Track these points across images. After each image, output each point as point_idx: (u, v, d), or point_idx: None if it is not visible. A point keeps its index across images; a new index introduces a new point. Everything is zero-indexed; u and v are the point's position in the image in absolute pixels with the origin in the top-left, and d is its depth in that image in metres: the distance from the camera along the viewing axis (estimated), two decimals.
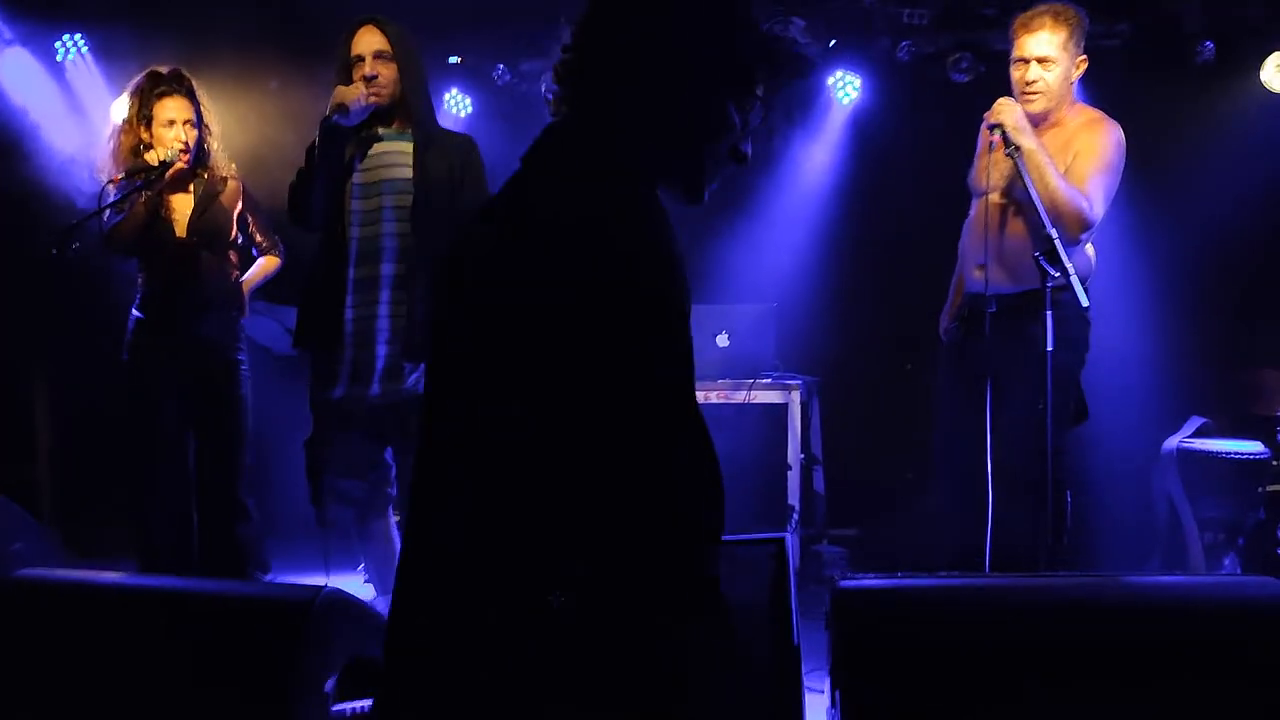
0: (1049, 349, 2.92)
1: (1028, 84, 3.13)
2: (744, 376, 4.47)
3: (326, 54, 5.47)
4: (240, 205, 3.73)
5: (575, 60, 1.51)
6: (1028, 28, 3.14)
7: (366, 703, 2.27)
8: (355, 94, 3.00)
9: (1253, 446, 4.02)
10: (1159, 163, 4.56)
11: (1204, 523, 4.04)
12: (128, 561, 3.66)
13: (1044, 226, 2.89)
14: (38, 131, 5.04)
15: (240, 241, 3.79)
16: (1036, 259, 2.90)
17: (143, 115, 3.54)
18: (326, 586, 2.24)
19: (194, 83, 3.63)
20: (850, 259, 5.31)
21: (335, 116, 2.96)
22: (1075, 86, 3.25)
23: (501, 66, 5.58)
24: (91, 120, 5.01)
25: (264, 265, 3.87)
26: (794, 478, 4.40)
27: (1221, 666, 1.85)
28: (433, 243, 3.07)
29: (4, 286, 5.05)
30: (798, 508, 4.40)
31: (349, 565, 4.29)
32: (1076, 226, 3.04)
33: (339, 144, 3.05)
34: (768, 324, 4.58)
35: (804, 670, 2.18)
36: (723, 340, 4.57)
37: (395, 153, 3.12)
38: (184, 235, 3.57)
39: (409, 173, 3.10)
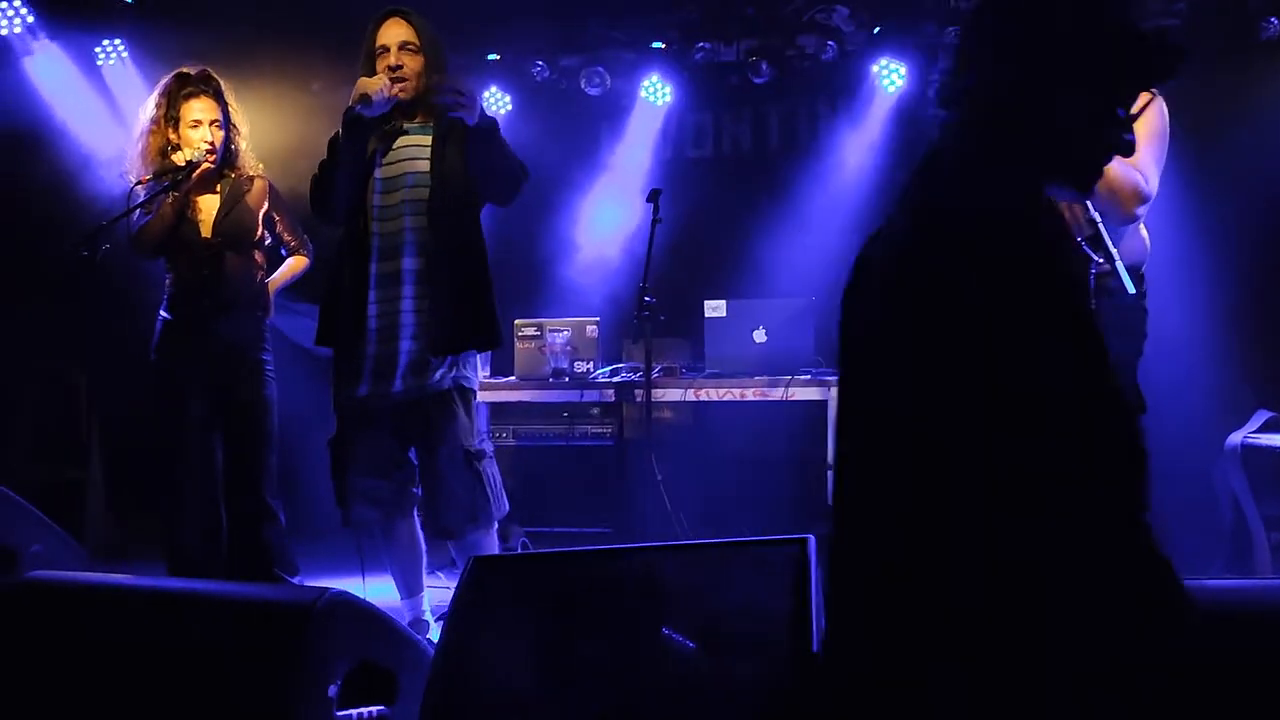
0: None
1: None
2: (781, 373, 4.36)
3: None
4: (267, 205, 3.72)
5: (966, 60, 1.56)
6: None
7: (373, 709, 2.22)
8: (378, 85, 2.97)
9: None
10: (1222, 143, 4.39)
11: (1270, 522, 3.85)
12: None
13: (1087, 210, 2.74)
14: (67, 129, 5.11)
15: (268, 241, 3.78)
16: (1080, 244, 2.75)
17: (170, 116, 3.55)
18: (330, 589, 2.19)
19: (221, 83, 3.63)
20: None
21: (358, 107, 2.94)
22: None
23: (540, 63, 5.54)
24: (130, 126, 5.06)
25: (291, 265, 3.86)
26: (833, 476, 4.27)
27: None
28: (450, 236, 3.06)
29: (50, 289, 5.12)
30: None
31: (382, 567, 4.27)
32: (1133, 201, 2.88)
33: (361, 135, 3.02)
34: (806, 319, 4.46)
35: None
36: (759, 336, 4.46)
37: (416, 146, 3.10)
38: (209, 236, 3.56)
39: (427, 166, 3.07)
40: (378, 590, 3.62)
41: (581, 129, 5.80)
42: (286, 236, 3.81)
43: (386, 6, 3.15)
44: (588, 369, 4.72)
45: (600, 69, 5.48)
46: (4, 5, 4.92)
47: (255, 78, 4.63)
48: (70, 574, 2.43)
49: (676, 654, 2.15)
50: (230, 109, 3.60)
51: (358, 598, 2.26)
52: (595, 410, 4.80)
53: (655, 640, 2.16)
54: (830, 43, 5.19)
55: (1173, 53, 1.54)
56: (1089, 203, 2.74)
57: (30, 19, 4.96)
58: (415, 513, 3.27)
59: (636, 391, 4.48)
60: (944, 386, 1.35)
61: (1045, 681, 1.27)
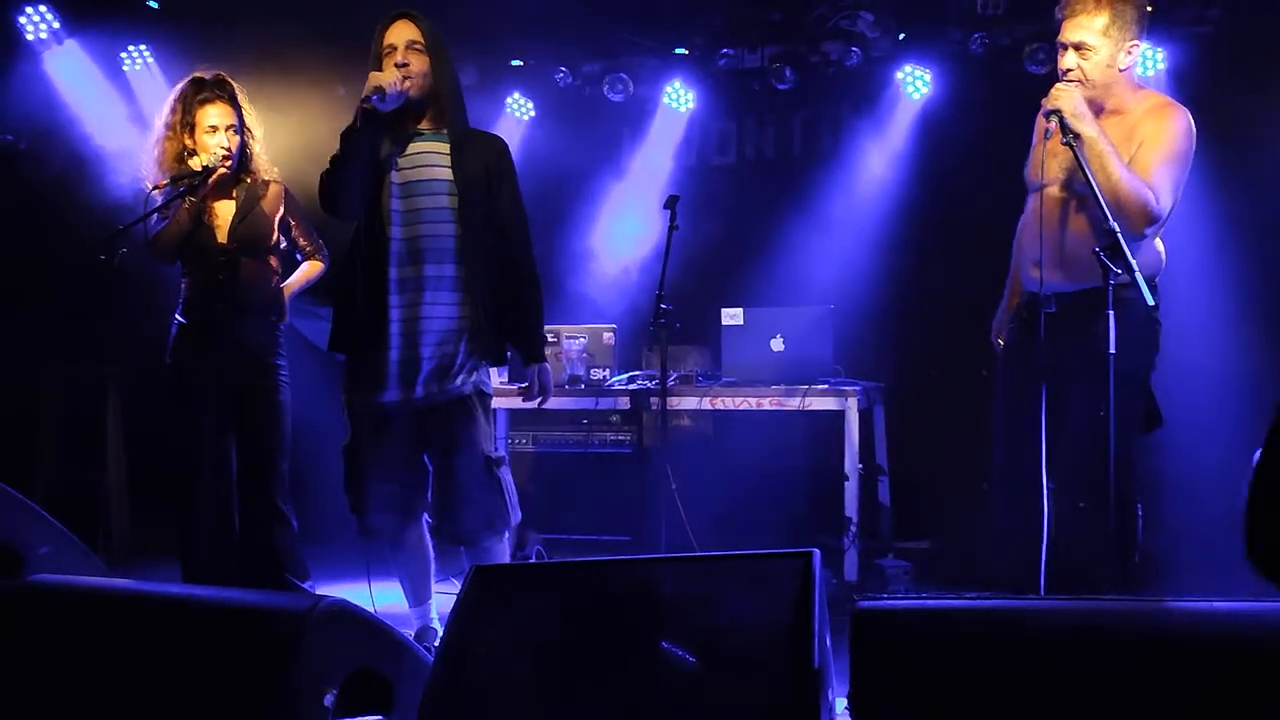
0: (1111, 351, 2.70)
1: (1064, 72, 2.93)
2: (799, 382, 4.31)
3: None
4: (282, 210, 3.72)
5: None
6: (1067, 12, 2.95)
7: (370, 718, 2.21)
8: (391, 78, 2.96)
9: None
10: (1253, 153, 4.32)
11: None
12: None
13: (1105, 220, 2.68)
14: (92, 134, 5.16)
15: (283, 246, 3.78)
16: (1097, 254, 2.69)
17: (186, 122, 3.56)
18: (327, 597, 2.17)
19: (236, 87, 3.63)
20: (917, 260, 5.12)
21: (374, 99, 2.92)
22: (1132, 72, 3.00)
23: (564, 69, 5.54)
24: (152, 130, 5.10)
25: (307, 270, 3.86)
26: (851, 488, 4.21)
27: None
28: (474, 242, 3.05)
29: (74, 292, 5.17)
30: (855, 519, 4.21)
31: (390, 574, 4.27)
32: (1141, 219, 2.82)
33: (375, 131, 3.01)
34: (824, 327, 4.40)
35: (842, 693, 2.04)
36: (777, 344, 4.42)
37: (433, 153, 3.09)
38: (225, 241, 3.57)
39: (448, 173, 3.07)
40: (386, 597, 3.62)
41: (604, 135, 5.80)
42: (302, 241, 3.81)
43: (394, 9, 3.15)
44: (604, 376, 4.70)
45: (623, 75, 5.47)
46: (30, 10, 4.99)
47: (281, 82, 4.66)
48: (73, 577, 2.42)
49: (676, 667, 2.12)
50: (245, 113, 3.61)
51: (355, 605, 2.25)
52: (615, 418, 4.78)
53: (654, 653, 2.13)
54: (855, 49, 5.16)
55: None
56: (1108, 212, 2.69)
57: (56, 24, 5.02)
58: (425, 518, 3.26)
59: (652, 399, 4.46)
60: None
61: None
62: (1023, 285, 3.17)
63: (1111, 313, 2.68)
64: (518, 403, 4.74)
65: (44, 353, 5.37)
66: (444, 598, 4.39)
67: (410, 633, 3.30)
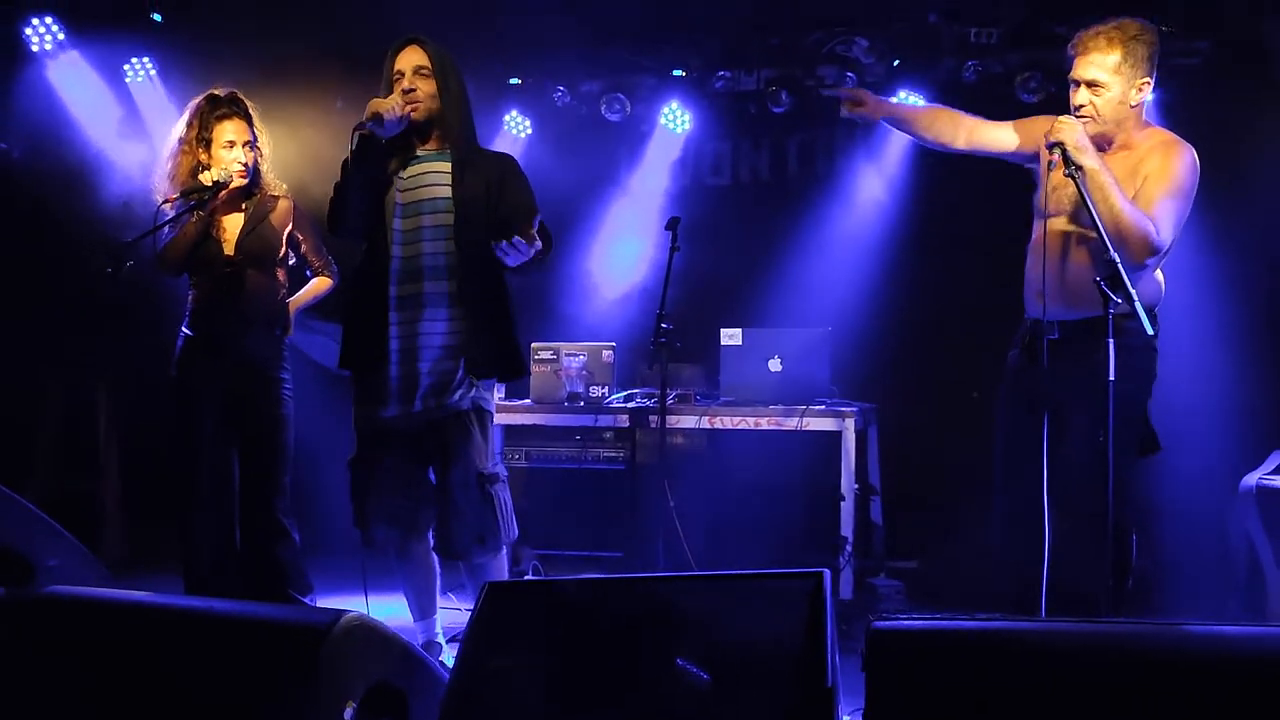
0: (1111, 379, 2.76)
1: (1076, 108, 3.00)
2: (796, 403, 4.37)
3: None
4: (291, 225, 3.76)
5: None
6: (1080, 49, 3.02)
7: None
8: (390, 104, 3.03)
9: None
10: (1241, 185, 4.39)
11: None
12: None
13: (1106, 250, 2.75)
14: (95, 147, 5.17)
15: (291, 261, 3.81)
16: (1098, 284, 2.76)
17: (202, 138, 3.61)
18: (348, 611, 2.19)
19: (250, 105, 3.68)
20: (910, 282, 5.18)
21: (370, 124, 2.99)
22: (1142, 109, 3.08)
23: (561, 88, 5.59)
24: (155, 142, 5.12)
25: (315, 286, 3.89)
26: (848, 508, 4.27)
27: None
28: (473, 260, 3.10)
29: (72, 303, 5.17)
30: (851, 539, 4.27)
31: (388, 587, 4.28)
32: (1142, 250, 2.89)
33: (374, 155, 3.07)
34: (822, 349, 4.47)
35: (848, 711, 2.08)
36: (775, 365, 4.47)
37: (434, 172, 3.16)
38: (232, 253, 3.60)
39: (448, 192, 3.13)
40: (382, 611, 3.63)
41: (601, 154, 5.84)
42: (311, 257, 3.84)
43: (405, 35, 3.22)
44: (603, 394, 4.73)
45: (621, 95, 5.53)
46: (35, 21, 5.00)
47: (280, 96, 4.68)
48: (89, 589, 2.43)
49: (690, 684, 2.15)
50: (257, 130, 3.66)
51: (374, 620, 2.28)
52: (608, 434, 4.81)
53: (669, 670, 2.17)
54: (850, 74, 5.22)
55: None
56: (1108, 242, 2.76)
57: (61, 35, 5.03)
58: (430, 533, 3.29)
59: (651, 417, 4.50)
60: None
61: None
62: (1026, 310, 3.24)
63: (1112, 341, 2.75)
64: (513, 419, 4.79)
65: (37, 363, 5.35)
66: (445, 613, 4.41)
67: None
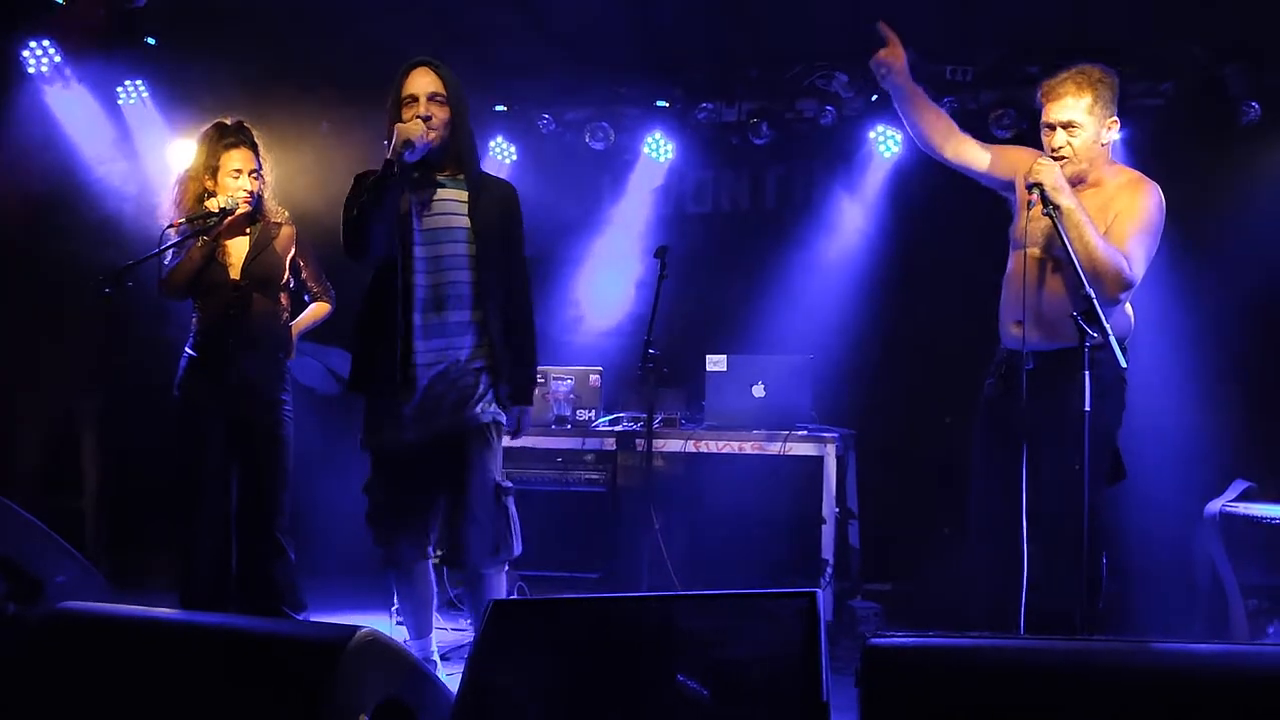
0: (1087, 409, 2.90)
1: (1054, 150, 3.15)
2: (779, 428, 4.47)
3: (374, 99, 5.65)
4: (294, 251, 3.84)
5: None
6: (1051, 95, 3.17)
7: None
8: (418, 130, 3.03)
9: None
10: (1203, 222, 4.54)
11: (1247, 589, 3.96)
12: (170, 596, 3.72)
13: (1082, 286, 2.89)
14: (88, 167, 5.21)
15: (292, 286, 3.88)
16: (1074, 318, 2.89)
17: (209, 165, 3.68)
18: (362, 627, 2.26)
19: (255, 133, 3.76)
20: (889, 312, 5.32)
21: (406, 154, 2.98)
22: (1111, 147, 3.25)
23: (547, 116, 5.69)
24: (150, 163, 5.17)
25: (314, 311, 3.97)
26: (828, 531, 4.38)
27: None
28: (491, 287, 3.16)
29: (57, 321, 5.18)
30: (832, 561, 4.37)
31: (379, 605, 4.33)
32: (1115, 286, 3.04)
33: (397, 182, 3.05)
34: (804, 376, 4.58)
35: None
36: (758, 391, 4.58)
37: (453, 200, 3.18)
38: (238, 278, 3.67)
39: (466, 221, 3.17)
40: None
41: (584, 182, 5.94)
42: (311, 283, 3.92)
43: (415, 58, 3.21)
44: (590, 417, 4.81)
45: (605, 124, 5.63)
46: (32, 44, 5.04)
47: (268, 118, 4.75)
48: (101, 605, 2.47)
49: (690, 701, 2.23)
50: (262, 159, 3.74)
51: (387, 636, 2.34)
52: (590, 457, 4.86)
53: (670, 686, 2.25)
54: (829, 108, 5.36)
55: None
56: (1084, 278, 2.90)
57: (57, 58, 5.08)
58: (431, 552, 3.34)
59: (637, 441, 4.59)
60: None
61: None
62: (1002, 340, 3.36)
63: (1087, 373, 2.88)
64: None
65: (21, 381, 5.36)
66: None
67: None
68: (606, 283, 5.74)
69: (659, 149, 5.71)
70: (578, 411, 4.81)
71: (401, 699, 2.31)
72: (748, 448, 4.49)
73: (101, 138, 5.31)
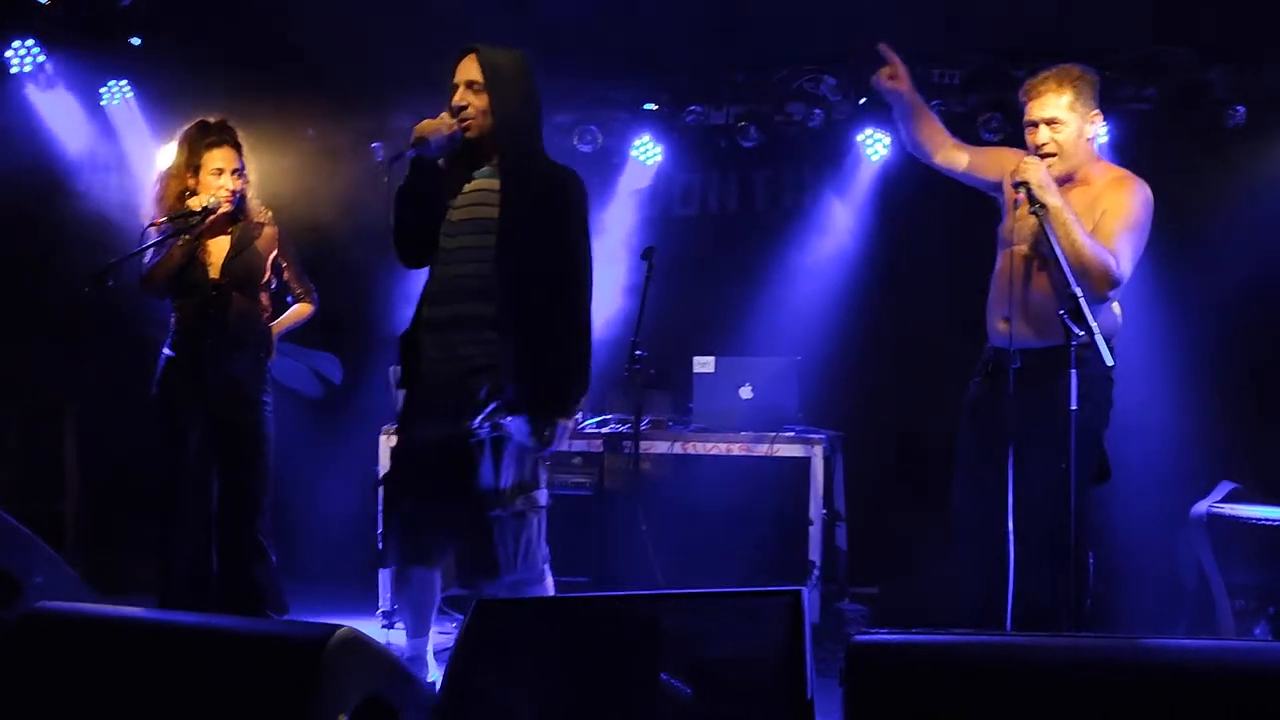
0: (1074, 408, 2.89)
1: (1039, 146, 3.16)
2: (766, 429, 4.46)
3: (361, 103, 5.64)
4: (276, 251, 3.82)
5: None
6: (1032, 94, 3.19)
7: None
8: (433, 126, 2.92)
9: None
10: (1189, 224, 4.56)
11: (1234, 589, 3.96)
12: (149, 597, 3.68)
13: (1069, 284, 2.89)
14: (77, 171, 5.19)
15: (274, 286, 3.86)
16: (1061, 317, 2.89)
17: (191, 164, 3.65)
18: (341, 626, 2.24)
19: (238, 133, 3.74)
20: (875, 314, 5.32)
21: (415, 149, 2.90)
22: (1096, 145, 3.26)
23: (697, 108, 5.53)
24: (133, 164, 5.14)
25: (296, 311, 3.95)
26: (815, 533, 4.36)
27: None
28: (512, 282, 2.95)
29: (37, 322, 5.15)
30: (819, 563, 4.36)
31: (364, 609, 4.31)
32: (1103, 283, 3.04)
33: (423, 178, 2.97)
34: (791, 377, 4.57)
35: None
36: (746, 392, 4.57)
37: (484, 190, 3.00)
38: (217, 276, 3.65)
39: (494, 212, 2.97)
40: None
41: None
42: (293, 283, 3.90)
43: (469, 43, 3.05)
44: (576, 419, 4.78)
45: (593, 127, 5.61)
46: (16, 43, 5.02)
47: (254, 121, 4.74)
48: (80, 605, 2.44)
49: (673, 699, 2.22)
50: (245, 158, 3.72)
51: (366, 635, 2.32)
52: (576, 460, 4.83)
53: (653, 685, 2.23)
54: (817, 110, 5.36)
55: None
56: (1070, 277, 2.89)
57: (41, 57, 5.05)
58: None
59: (625, 443, 4.57)
60: None
61: None
62: (989, 338, 3.36)
63: (1075, 371, 2.88)
64: None
65: (1, 383, 5.32)
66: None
67: None
68: (594, 285, 5.72)
69: (647, 152, 5.70)
70: None
71: (383, 698, 2.29)
72: (735, 449, 4.48)
73: (85, 138, 5.28)
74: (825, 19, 4.99)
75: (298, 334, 4.27)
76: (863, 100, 5.33)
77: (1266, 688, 1.86)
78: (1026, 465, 3.10)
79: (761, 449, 4.44)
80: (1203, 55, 4.83)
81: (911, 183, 5.32)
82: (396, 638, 4.28)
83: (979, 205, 3.57)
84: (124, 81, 5.29)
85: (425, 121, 2.96)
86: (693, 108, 5.55)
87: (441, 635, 4.11)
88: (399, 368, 3.17)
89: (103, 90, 5.30)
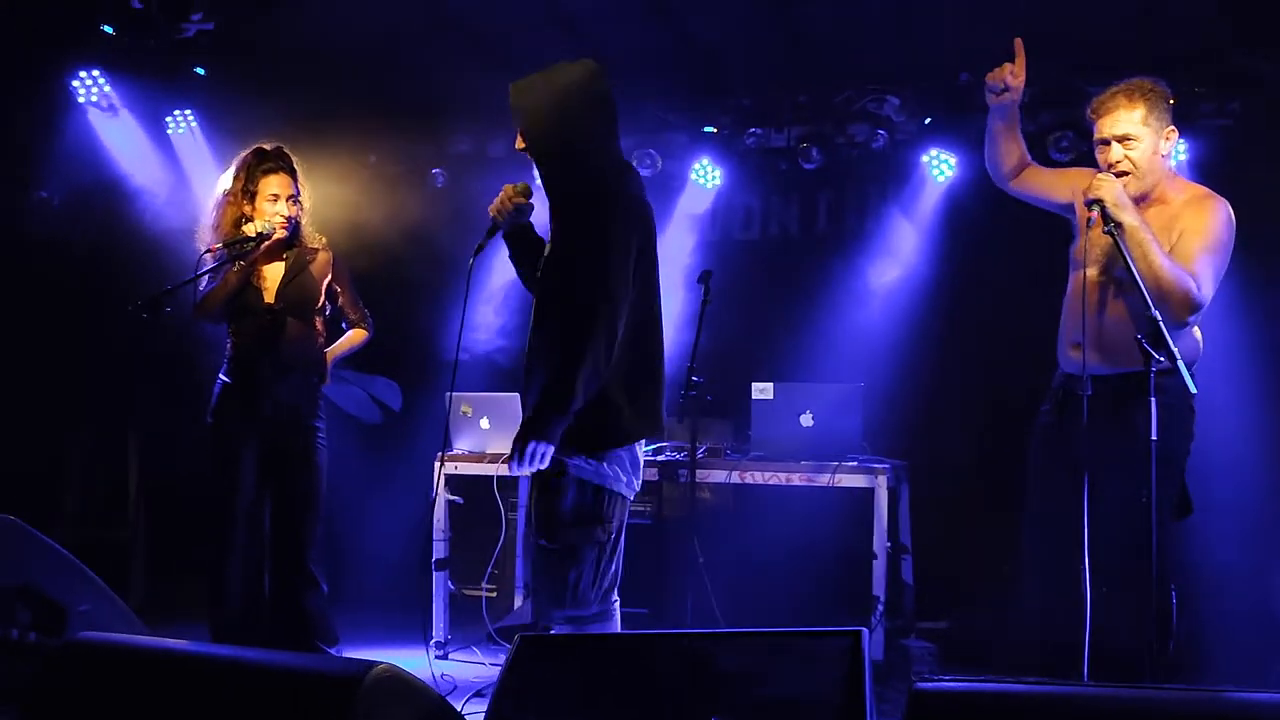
0: (1154, 437, 2.72)
1: (1113, 164, 3.01)
2: (828, 459, 4.31)
3: (421, 130, 5.67)
4: (330, 277, 3.81)
5: None
6: (1101, 110, 3.06)
7: None
8: (497, 207, 2.92)
9: None
10: (1274, 242, 4.35)
11: None
12: (205, 626, 3.67)
13: (1147, 308, 2.73)
14: (137, 195, 5.27)
15: (329, 312, 3.85)
16: (1139, 341, 2.73)
17: (247, 190, 3.67)
18: (380, 663, 2.17)
19: (294, 159, 3.75)
20: (941, 338, 5.17)
21: (491, 236, 2.93)
22: (1173, 162, 3.10)
23: (758, 130, 5.47)
24: (195, 191, 5.21)
25: (351, 337, 3.93)
26: (880, 566, 4.20)
27: None
28: (545, 308, 2.83)
29: (101, 349, 5.22)
30: (883, 598, 4.20)
31: (414, 640, 4.25)
32: (1183, 308, 2.87)
33: (518, 242, 2.98)
34: (854, 404, 4.42)
35: None
36: (807, 420, 4.44)
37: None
38: (272, 301, 3.64)
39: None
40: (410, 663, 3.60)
41: None
42: (347, 309, 3.89)
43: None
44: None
45: (652, 151, 5.57)
46: (82, 74, 5.12)
47: (317, 149, 4.77)
48: (119, 635, 2.42)
49: None
50: (300, 185, 3.72)
51: (405, 671, 2.25)
52: None
53: None
54: (881, 131, 5.26)
55: None
56: (1149, 300, 2.73)
57: (107, 88, 5.15)
58: None
59: (681, 471, 4.47)
60: None
61: None
62: (1060, 365, 3.21)
63: (1154, 399, 2.71)
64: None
65: (68, 408, 5.40)
66: (470, 666, 4.37)
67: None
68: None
69: (707, 175, 5.63)
70: None
71: None
72: (795, 479, 4.34)
73: (150, 166, 5.37)
74: (888, 38, 4.89)
75: (357, 359, 4.26)
76: (928, 120, 5.21)
77: None
78: (1103, 497, 2.94)
79: (823, 479, 4.30)
80: None
81: (978, 204, 5.18)
82: (449, 669, 4.24)
83: (1050, 225, 3.43)
84: (188, 110, 5.38)
85: (492, 204, 2.94)
86: (753, 130, 5.49)
87: (494, 667, 4.05)
88: (452, 393, 3.12)
89: (168, 119, 5.39)
